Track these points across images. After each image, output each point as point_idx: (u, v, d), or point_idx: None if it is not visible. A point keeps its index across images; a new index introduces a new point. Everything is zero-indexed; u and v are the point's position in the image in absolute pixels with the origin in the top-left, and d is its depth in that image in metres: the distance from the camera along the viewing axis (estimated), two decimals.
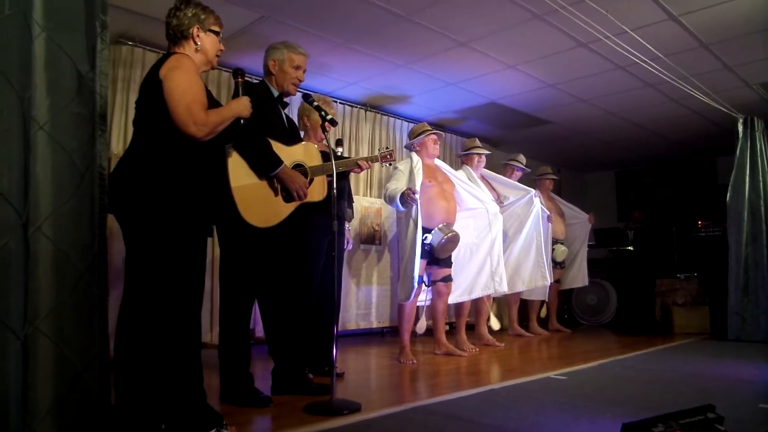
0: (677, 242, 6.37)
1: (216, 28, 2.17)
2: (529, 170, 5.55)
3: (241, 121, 2.17)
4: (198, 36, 2.10)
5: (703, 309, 5.74)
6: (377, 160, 3.18)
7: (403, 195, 3.69)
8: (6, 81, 1.20)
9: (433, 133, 4.10)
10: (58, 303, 1.31)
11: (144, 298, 1.91)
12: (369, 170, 5.77)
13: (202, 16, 2.12)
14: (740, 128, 5.23)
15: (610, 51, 4.20)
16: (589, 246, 6.42)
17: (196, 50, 2.11)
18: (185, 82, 1.95)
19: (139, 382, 1.92)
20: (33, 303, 1.26)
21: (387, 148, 3.30)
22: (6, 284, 1.18)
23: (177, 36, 2.10)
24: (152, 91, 1.96)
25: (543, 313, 5.91)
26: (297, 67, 2.72)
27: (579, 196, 8.37)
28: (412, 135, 4.16)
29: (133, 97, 4.14)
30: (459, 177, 4.35)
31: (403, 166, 3.99)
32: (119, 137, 4.11)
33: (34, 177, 1.28)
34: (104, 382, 1.43)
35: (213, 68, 2.25)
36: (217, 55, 2.21)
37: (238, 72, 2.35)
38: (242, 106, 2.17)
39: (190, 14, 2.10)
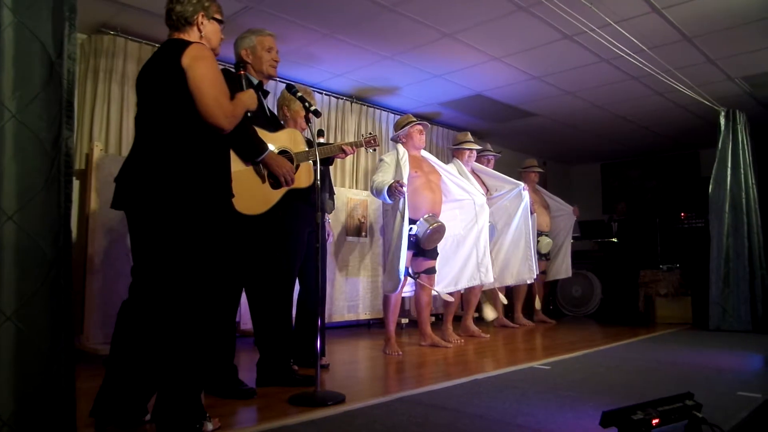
0: (660, 234, 6.45)
1: (219, 17, 2.14)
2: (500, 155, 5.57)
3: (248, 113, 2.17)
4: (202, 23, 2.08)
5: (685, 300, 5.82)
6: (361, 145, 3.17)
7: (390, 187, 3.69)
8: None
9: (419, 124, 4.10)
10: (29, 294, 1.30)
11: (176, 292, 1.88)
12: (355, 162, 5.77)
13: (207, 3, 2.10)
14: (722, 121, 5.29)
15: (594, 43, 4.22)
16: (574, 238, 6.48)
17: (200, 37, 2.08)
18: (211, 73, 1.93)
19: (137, 371, 1.92)
20: (3, 294, 1.24)
21: (371, 133, 3.29)
22: None
23: (180, 22, 2.06)
24: (173, 79, 1.90)
25: (538, 304, 5.95)
26: (270, 49, 2.69)
27: (564, 188, 8.44)
28: (398, 126, 4.16)
29: (115, 87, 4.11)
30: (446, 168, 4.35)
31: (389, 158, 3.98)
32: (101, 129, 4.05)
33: (5, 166, 1.26)
34: (70, 376, 1.42)
35: (216, 56, 2.19)
36: (220, 44, 2.18)
37: (239, 65, 2.33)
38: (251, 99, 2.18)
39: (194, 0, 2.07)
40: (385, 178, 3.82)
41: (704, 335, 4.82)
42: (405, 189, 3.70)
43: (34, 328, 1.28)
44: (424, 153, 4.22)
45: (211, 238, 1.94)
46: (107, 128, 4.07)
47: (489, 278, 4.36)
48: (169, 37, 2.09)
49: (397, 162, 3.91)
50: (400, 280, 3.72)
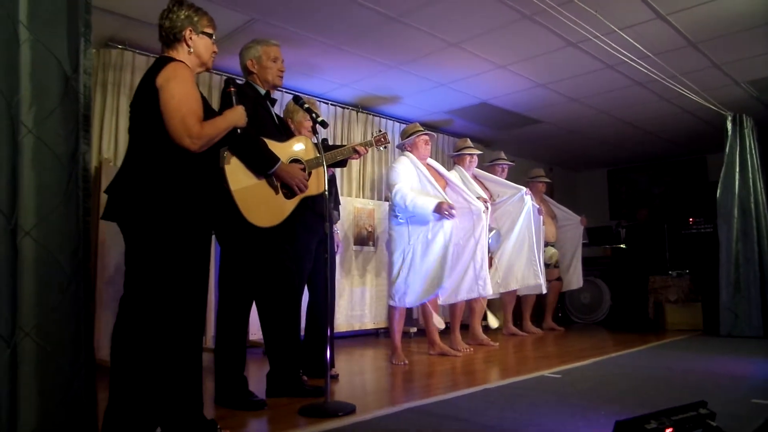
0: (669, 239, 6.41)
1: (209, 30, 2.14)
2: (513, 163, 5.55)
3: (238, 130, 2.16)
4: (191, 38, 2.07)
5: (695, 306, 5.78)
6: (372, 145, 3.18)
7: (440, 206, 3.70)
8: None
9: (425, 134, 4.10)
10: (50, 309, 1.30)
11: (148, 303, 1.89)
12: (362, 171, 5.78)
13: (195, 18, 2.09)
14: (729, 126, 5.27)
15: (599, 50, 4.22)
16: (582, 244, 6.45)
17: (189, 53, 2.08)
18: (181, 93, 1.93)
19: (137, 386, 1.91)
20: (23, 309, 1.24)
21: (380, 131, 3.29)
22: None
23: (170, 38, 2.08)
24: (148, 98, 1.94)
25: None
26: (275, 59, 2.71)
27: (571, 194, 8.41)
28: (404, 135, 4.17)
29: (124, 100, 4.14)
30: (448, 176, 4.33)
31: (401, 165, 3.94)
32: (110, 141, 4.09)
33: (22, 182, 1.27)
34: (91, 390, 1.42)
35: (207, 70, 2.22)
36: (212, 57, 2.18)
37: (230, 82, 2.34)
38: (238, 115, 2.15)
39: (182, 16, 2.07)
40: (414, 193, 3.79)
41: (716, 341, 4.78)
42: (455, 211, 3.74)
43: (54, 344, 1.28)
44: (431, 161, 4.22)
45: (175, 255, 1.92)
46: (116, 141, 4.10)
47: (487, 291, 4.22)
48: (161, 53, 2.11)
49: (415, 171, 3.91)
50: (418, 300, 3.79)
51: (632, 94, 5.35)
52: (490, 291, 4.28)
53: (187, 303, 1.96)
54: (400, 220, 3.85)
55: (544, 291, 5.33)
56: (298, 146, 2.71)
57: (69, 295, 1.35)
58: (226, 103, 2.29)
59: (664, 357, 4.02)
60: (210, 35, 2.14)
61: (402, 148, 4.16)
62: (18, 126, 1.28)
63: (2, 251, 1.20)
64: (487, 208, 4.29)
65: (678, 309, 5.86)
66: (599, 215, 8.41)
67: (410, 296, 3.80)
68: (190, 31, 2.07)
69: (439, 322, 4.12)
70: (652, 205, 8.28)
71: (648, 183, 8.55)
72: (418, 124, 4.22)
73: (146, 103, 1.95)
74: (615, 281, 6.75)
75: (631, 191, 8.72)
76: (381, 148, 3.23)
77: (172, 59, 2.02)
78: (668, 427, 1.70)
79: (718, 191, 5.25)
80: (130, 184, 1.93)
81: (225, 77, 2.46)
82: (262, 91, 2.71)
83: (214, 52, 2.18)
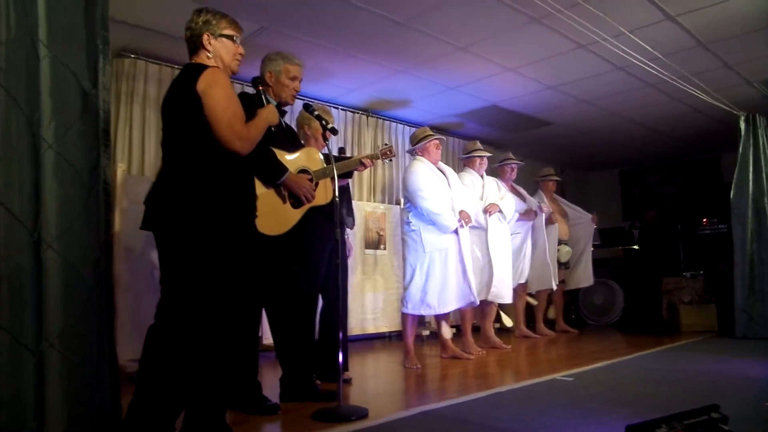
0: (683, 240, 6.36)
1: (229, 32, 2.11)
2: (522, 163, 5.53)
3: (272, 128, 2.20)
4: (209, 43, 2.08)
5: (709, 307, 5.73)
6: (378, 157, 3.20)
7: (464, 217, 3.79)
8: (15, 104, 1.23)
9: (436, 138, 4.09)
10: (72, 319, 1.34)
11: (193, 310, 1.92)
12: (372, 176, 5.81)
13: (213, 22, 2.08)
14: (742, 125, 5.22)
15: (608, 52, 4.21)
16: (595, 246, 6.42)
17: (208, 57, 2.08)
18: (225, 98, 1.95)
19: (165, 387, 1.95)
20: (48, 320, 1.28)
21: (386, 144, 3.32)
22: (19, 303, 1.21)
23: (192, 47, 2.10)
24: (188, 105, 1.94)
25: (551, 314, 5.91)
26: (293, 78, 2.73)
27: (583, 195, 8.36)
28: (414, 140, 4.15)
29: (137, 109, 4.20)
30: (454, 181, 4.20)
31: (420, 170, 3.90)
32: (123, 151, 4.16)
33: (44, 195, 1.31)
34: (115, 398, 1.45)
35: (234, 74, 2.19)
36: (237, 60, 2.16)
37: (258, 80, 2.37)
38: (272, 114, 2.20)
39: (200, 22, 2.08)
40: (439, 201, 3.80)
41: (730, 343, 4.73)
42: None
43: (78, 353, 1.32)
44: (442, 165, 4.20)
45: (230, 260, 1.96)
46: (130, 149, 4.17)
47: (474, 301, 4.00)
48: (188, 61, 2.14)
49: (432, 175, 3.92)
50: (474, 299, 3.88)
51: (643, 95, 5.32)
52: (476, 302, 4.04)
53: (237, 308, 2.00)
54: (413, 228, 3.87)
55: (554, 287, 5.43)
56: (306, 157, 2.75)
57: (91, 306, 1.39)
58: (258, 102, 2.33)
59: (678, 359, 3.99)
60: (230, 37, 2.12)
61: (413, 153, 4.14)
62: (39, 141, 1.32)
63: (26, 263, 1.24)
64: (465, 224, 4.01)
65: (692, 310, 5.81)
66: (612, 216, 8.36)
67: (425, 307, 3.80)
68: (208, 35, 2.08)
69: (447, 332, 4.11)
70: (666, 205, 8.20)
71: (661, 183, 8.48)
72: (427, 129, 4.22)
73: (186, 110, 1.95)
74: (628, 282, 6.71)
75: (644, 191, 8.65)
76: (387, 161, 3.25)
77: (206, 66, 2.02)
78: (679, 431, 1.70)
79: (732, 191, 5.21)
80: (172, 194, 1.94)
81: (252, 77, 2.49)
82: (273, 103, 2.74)
83: (240, 54, 2.16)
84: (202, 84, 1.94)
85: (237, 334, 2.04)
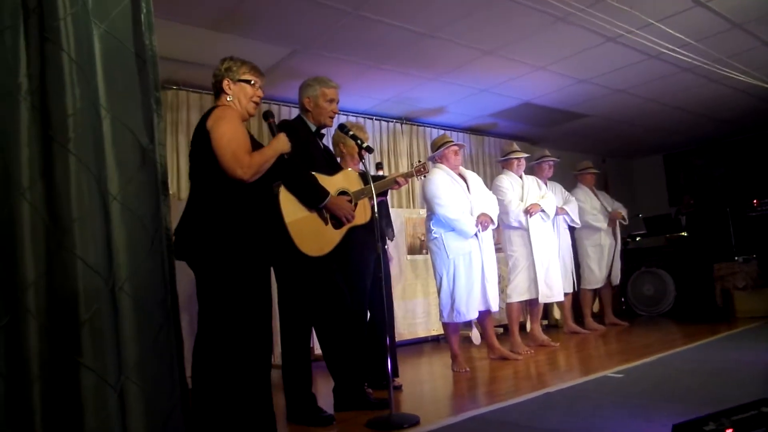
0: (733, 224, 6.17)
1: (247, 77, 2.30)
2: (559, 159, 5.47)
3: (285, 156, 2.33)
4: (229, 87, 2.28)
5: (765, 291, 5.55)
6: (412, 175, 3.28)
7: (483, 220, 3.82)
8: (85, 168, 1.39)
9: (454, 145, 4.04)
10: (144, 354, 1.48)
11: (217, 334, 2.11)
12: (411, 181, 5.88)
13: (234, 68, 2.29)
14: None
15: (638, 43, 4.17)
16: (641, 235, 6.29)
17: (228, 100, 2.28)
18: (229, 131, 2.15)
19: (215, 411, 2.10)
20: (123, 356, 1.43)
21: (419, 161, 3.40)
22: (102, 345, 1.36)
23: (216, 91, 2.33)
24: (202, 142, 2.17)
25: (596, 307, 5.85)
26: (331, 101, 2.85)
27: (627, 183, 8.20)
28: (434, 147, 4.13)
29: (182, 138, 4.43)
30: (476, 185, 4.14)
31: (437, 177, 3.92)
32: (172, 178, 4.38)
33: (115, 242, 1.46)
34: (188, 423, 1.59)
35: (250, 116, 2.36)
36: (255, 102, 2.34)
37: (268, 114, 2.50)
38: (282, 143, 2.33)
39: (223, 69, 2.30)
40: (454, 207, 3.82)
41: None
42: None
43: (151, 384, 1.46)
44: (463, 170, 4.15)
45: (236, 284, 2.12)
46: (178, 176, 4.39)
47: (495, 307, 3.96)
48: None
49: (450, 182, 3.96)
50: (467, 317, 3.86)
51: (680, 80, 5.22)
52: (496, 307, 3.99)
53: (253, 330, 2.15)
54: (435, 234, 3.90)
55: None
56: (345, 179, 2.87)
57: (161, 341, 1.53)
58: (271, 133, 2.46)
59: (733, 349, 3.91)
60: (248, 81, 2.30)
61: (433, 160, 4.17)
62: (106, 196, 1.47)
63: (105, 309, 1.39)
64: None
65: (747, 296, 5.64)
66: (658, 202, 8.17)
67: (456, 314, 3.82)
68: (228, 81, 2.29)
69: (475, 337, 4.10)
70: (714, 187, 7.97)
71: (709, 166, 8.23)
72: (446, 135, 4.25)
73: (200, 146, 2.18)
74: (678, 270, 6.53)
75: (690, 175, 8.41)
76: (420, 178, 3.33)
77: (216, 106, 2.27)
78: (728, 428, 1.70)
79: None
80: (193, 224, 2.16)
81: (263, 110, 2.63)
82: (313, 128, 2.87)
83: (257, 96, 2.34)
84: (210, 121, 2.17)
85: (264, 351, 2.23)
